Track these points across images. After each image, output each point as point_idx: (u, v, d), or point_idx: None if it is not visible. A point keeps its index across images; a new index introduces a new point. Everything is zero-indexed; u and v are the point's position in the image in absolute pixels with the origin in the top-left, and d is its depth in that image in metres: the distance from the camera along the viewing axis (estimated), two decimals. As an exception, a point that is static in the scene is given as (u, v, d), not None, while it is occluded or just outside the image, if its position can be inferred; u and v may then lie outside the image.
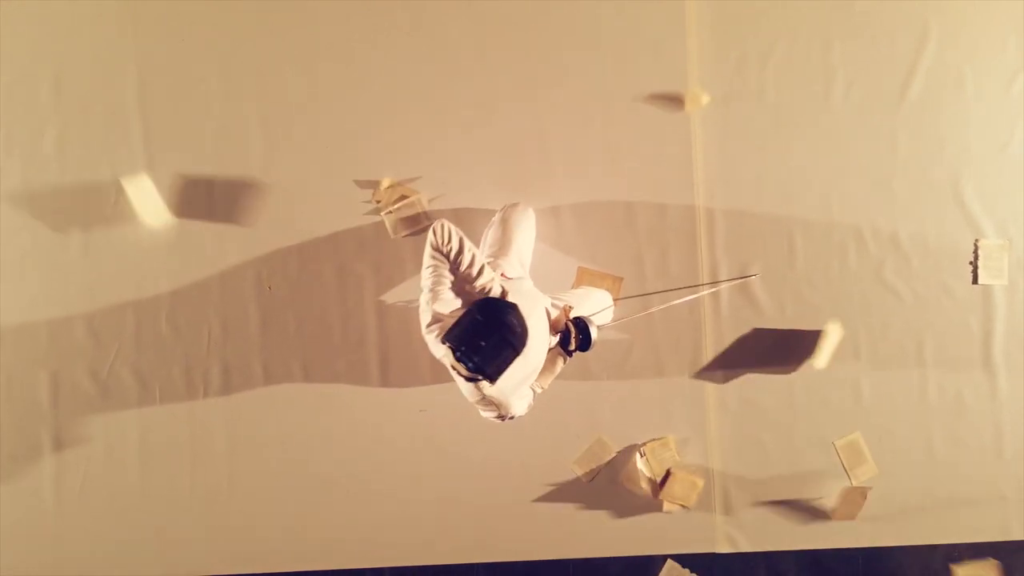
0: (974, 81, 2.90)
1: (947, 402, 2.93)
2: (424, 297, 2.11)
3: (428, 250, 2.13)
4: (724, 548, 2.95)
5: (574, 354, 2.27)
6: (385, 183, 2.87)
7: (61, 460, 2.94)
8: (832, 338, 2.89)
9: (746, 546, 2.95)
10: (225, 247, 2.91)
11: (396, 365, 2.91)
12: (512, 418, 2.18)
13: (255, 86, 2.91)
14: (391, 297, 2.91)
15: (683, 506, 2.92)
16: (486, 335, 1.83)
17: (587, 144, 2.90)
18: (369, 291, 2.91)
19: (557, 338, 2.26)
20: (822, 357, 2.88)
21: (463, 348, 1.84)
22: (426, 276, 2.12)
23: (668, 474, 2.91)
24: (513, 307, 1.91)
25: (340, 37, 2.90)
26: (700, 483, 2.92)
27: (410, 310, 2.90)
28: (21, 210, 2.91)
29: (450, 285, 2.09)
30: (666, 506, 2.92)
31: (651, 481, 2.92)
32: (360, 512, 2.94)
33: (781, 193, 2.91)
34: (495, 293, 2.10)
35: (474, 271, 2.10)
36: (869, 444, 2.93)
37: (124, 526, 2.94)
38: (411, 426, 2.92)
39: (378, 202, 2.87)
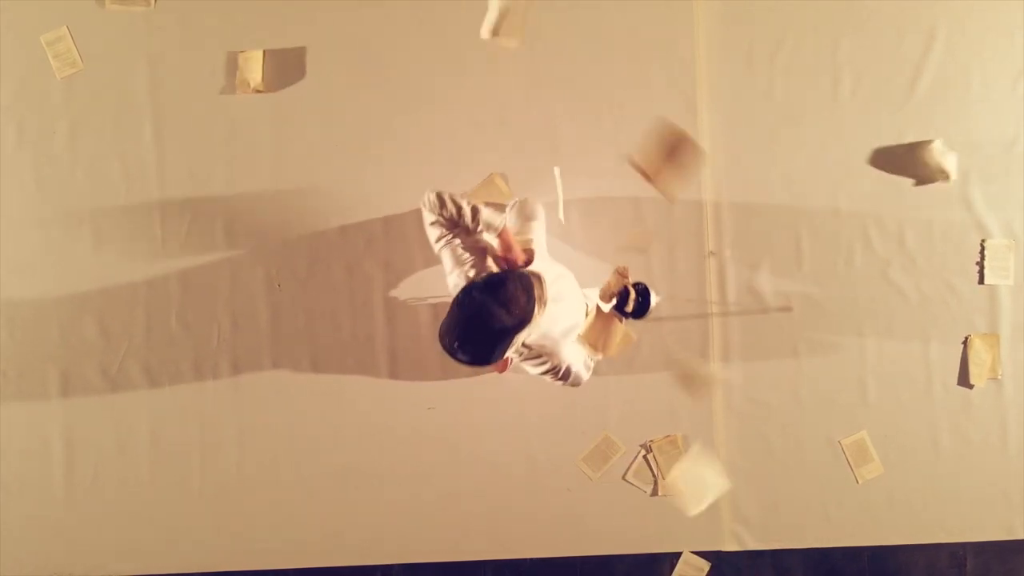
0: (981, 80, 2.91)
1: (953, 402, 2.94)
2: (449, 267, 2.13)
3: (431, 227, 2.17)
4: (731, 546, 2.96)
5: (631, 317, 2.23)
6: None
7: (71, 456, 2.95)
8: None
9: (752, 544, 2.96)
10: (234, 244, 2.92)
11: (405, 362, 2.92)
12: (568, 376, 2.09)
13: (265, 82, 2.91)
14: (400, 294, 2.93)
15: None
16: (474, 328, 1.72)
17: (596, 141, 2.91)
18: (378, 288, 2.92)
19: (613, 302, 2.24)
20: None
21: (455, 345, 1.74)
22: (446, 254, 2.15)
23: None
24: (503, 280, 1.78)
25: (349, 35, 2.91)
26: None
27: (419, 307, 2.92)
28: (32, 206, 2.92)
29: (462, 246, 2.08)
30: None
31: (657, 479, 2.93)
32: (369, 509, 2.95)
33: (788, 191, 2.92)
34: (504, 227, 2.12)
35: (480, 222, 2.11)
36: (875, 443, 2.94)
37: (134, 522, 2.95)
38: (420, 423, 2.93)
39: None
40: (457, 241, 2.13)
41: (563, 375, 2.11)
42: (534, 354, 2.03)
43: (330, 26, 2.91)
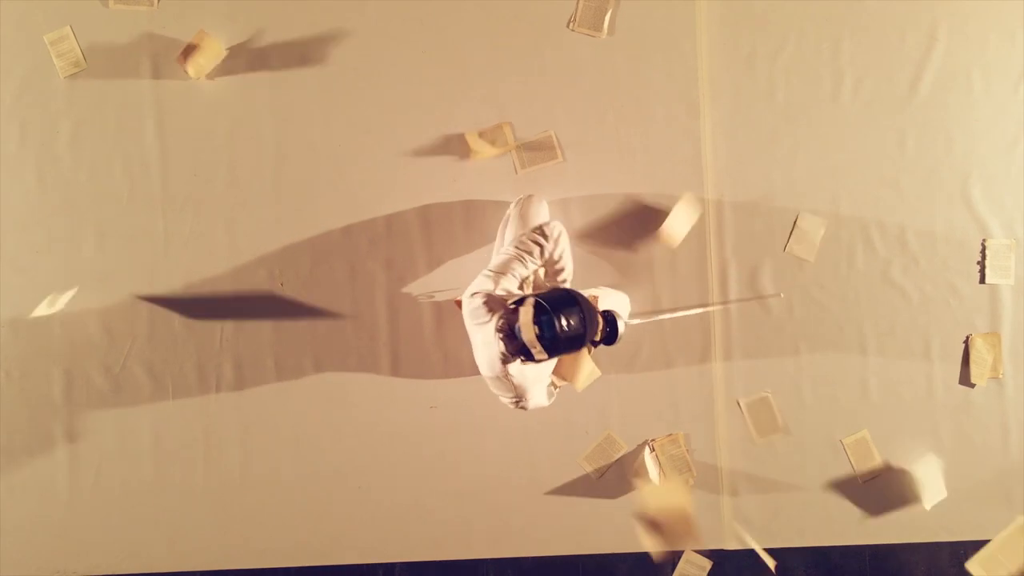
0: (982, 80, 2.91)
1: (954, 401, 2.95)
2: (496, 265, 2.30)
3: (526, 241, 2.34)
4: (732, 545, 2.96)
5: (599, 345, 2.29)
6: None
7: (75, 455, 2.94)
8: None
9: (754, 543, 2.97)
10: (237, 244, 2.93)
11: (407, 361, 2.93)
12: (526, 408, 2.29)
13: (269, 82, 2.92)
14: (402, 293, 2.93)
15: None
16: (577, 312, 2.03)
17: (599, 140, 2.92)
18: (380, 288, 2.93)
19: None
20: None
21: (562, 311, 2.00)
22: (507, 256, 2.32)
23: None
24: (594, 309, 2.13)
25: (353, 34, 2.92)
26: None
27: (422, 305, 2.92)
28: (35, 206, 2.92)
29: (527, 273, 2.32)
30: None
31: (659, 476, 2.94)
32: (371, 508, 2.95)
33: (789, 191, 2.93)
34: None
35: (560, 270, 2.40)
36: (876, 442, 2.94)
37: (136, 521, 2.95)
38: (421, 422, 2.93)
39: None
40: (522, 257, 2.32)
41: (522, 406, 2.33)
42: (506, 385, 2.23)
43: (332, 25, 2.92)
